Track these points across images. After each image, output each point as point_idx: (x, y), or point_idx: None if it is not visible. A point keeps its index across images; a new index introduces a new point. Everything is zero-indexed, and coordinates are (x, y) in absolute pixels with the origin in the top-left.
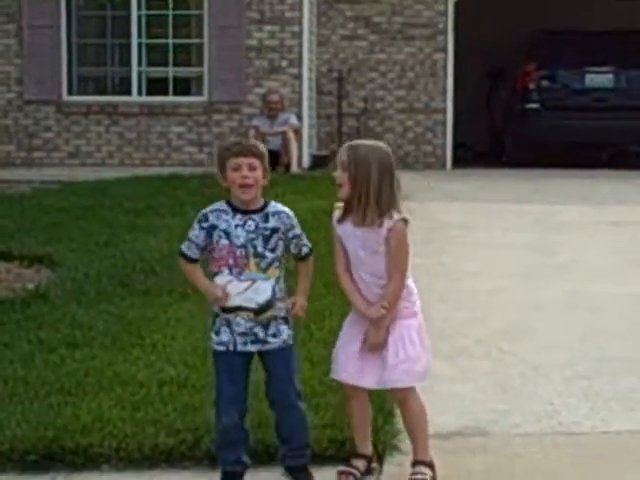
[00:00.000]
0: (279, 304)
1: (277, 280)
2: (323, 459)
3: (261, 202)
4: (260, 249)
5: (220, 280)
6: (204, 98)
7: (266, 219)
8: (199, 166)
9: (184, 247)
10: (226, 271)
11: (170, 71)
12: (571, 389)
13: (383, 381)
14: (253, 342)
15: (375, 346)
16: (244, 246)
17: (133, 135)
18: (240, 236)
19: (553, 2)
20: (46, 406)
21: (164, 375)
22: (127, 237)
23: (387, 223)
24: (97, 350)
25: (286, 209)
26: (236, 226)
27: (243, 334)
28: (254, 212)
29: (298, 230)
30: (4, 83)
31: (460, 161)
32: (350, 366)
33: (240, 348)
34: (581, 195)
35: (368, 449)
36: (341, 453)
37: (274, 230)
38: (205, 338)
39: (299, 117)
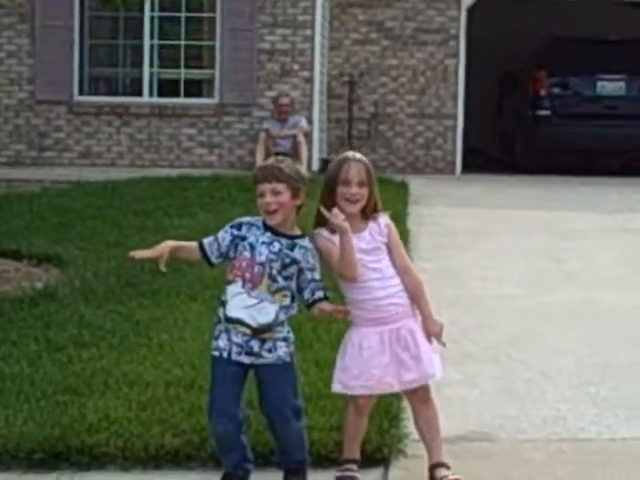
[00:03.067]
0: (279, 329)
1: (282, 307)
2: (329, 461)
3: (295, 232)
4: (275, 272)
5: (232, 290)
6: (215, 100)
7: (292, 248)
8: (209, 168)
9: (206, 241)
10: (239, 283)
11: (182, 73)
12: (578, 395)
13: (423, 377)
14: (247, 354)
15: (441, 331)
16: (262, 264)
17: (144, 136)
18: (263, 253)
19: (566, 9)
20: (52, 405)
21: (171, 376)
22: (136, 238)
23: None
24: (104, 350)
25: (313, 248)
26: (262, 242)
27: (238, 345)
28: (284, 236)
29: (317, 275)
30: (16, 83)
31: (470, 166)
32: (386, 377)
33: (234, 357)
34: (591, 202)
35: (358, 454)
36: None
37: (294, 261)
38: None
39: (309, 120)
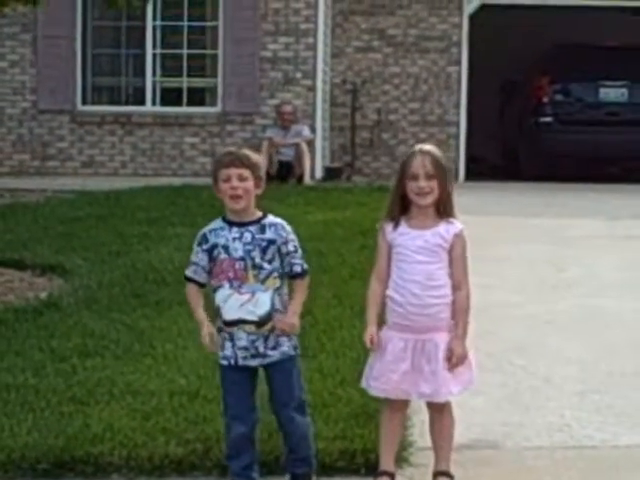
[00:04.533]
0: (278, 316)
1: (275, 291)
2: (334, 470)
3: (258, 214)
4: (258, 260)
5: (221, 294)
6: (218, 109)
7: (262, 230)
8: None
9: (190, 272)
10: (227, 285)
11: (184, 82)
12: (582, 403)
13: (438, 393)
14: (254, 356)
15: (463, 358)
16: (243, 259)
17: (146, 145)
18: (238, 249)
19: (568, 16)
20: (57, 415)
21: (175, 385)
22: (139, 247)
23: None
24: (108, 359)
25: (283, 222)
26: (233, 239)
27: (244, 348)
28: (250, 224)
29: (292, 246)
30: (19, 92)
31: (473, 174)
32: (404, 384)
33: (241, 362)
34: (594, 209)
35: (393, 466)
36: (351, 464)
37: (271, 241)
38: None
39: (312, 129)
